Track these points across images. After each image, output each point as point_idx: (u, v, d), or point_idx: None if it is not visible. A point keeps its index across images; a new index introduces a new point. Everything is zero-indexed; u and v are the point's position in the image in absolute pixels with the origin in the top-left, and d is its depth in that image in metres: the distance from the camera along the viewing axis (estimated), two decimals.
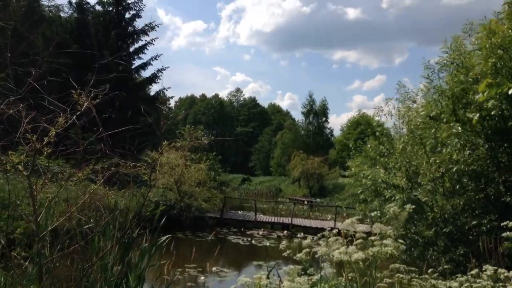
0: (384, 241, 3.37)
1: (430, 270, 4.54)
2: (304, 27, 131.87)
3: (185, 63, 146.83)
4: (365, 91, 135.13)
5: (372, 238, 3.46)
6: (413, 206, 4.24)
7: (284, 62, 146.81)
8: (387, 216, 3.99)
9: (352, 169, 10.88)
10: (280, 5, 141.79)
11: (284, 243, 4.08)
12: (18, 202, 9.37)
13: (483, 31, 7.37)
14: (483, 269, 3.69)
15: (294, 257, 3.76)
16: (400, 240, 3.60)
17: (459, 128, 7.28)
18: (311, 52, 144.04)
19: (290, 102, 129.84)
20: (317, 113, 62.46)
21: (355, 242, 3.44)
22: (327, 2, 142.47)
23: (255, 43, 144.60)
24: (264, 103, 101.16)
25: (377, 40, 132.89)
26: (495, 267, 3.69)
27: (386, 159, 9.73)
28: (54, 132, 3.75)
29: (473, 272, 3.73)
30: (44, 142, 3.77)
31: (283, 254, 4.00)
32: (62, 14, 26.88)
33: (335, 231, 3.76)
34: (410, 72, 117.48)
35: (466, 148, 7.34)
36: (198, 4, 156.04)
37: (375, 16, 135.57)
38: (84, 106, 3.80)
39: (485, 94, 6.10)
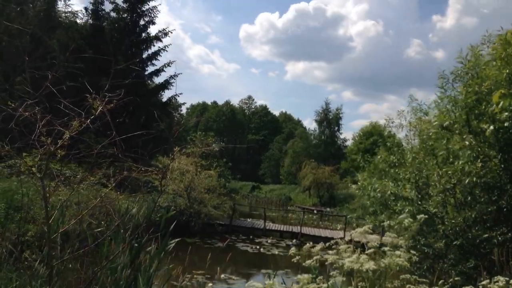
0: (396, 252, 3.34)
1: (440, 282, 4.49)
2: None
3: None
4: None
5: (385, 248, 3.43)
6: (425, 216, 4.20)
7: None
8: (395, 227, 3.96)
9: (359, 182, 10.82)
10: None
11: (293, 249, 4.06)
12: (31, 205, 9.50)
13: (499, 41, 7.33)
14: (495, 280, 3.63)
15: (304, 264, 3.74)
16: (413, 251, 3.57)
17: (472, 140, 7.22)
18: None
19: None
20: (330, 122, 62.36)
21: (366, 251, 3.41)
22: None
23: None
24: None
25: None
26: (507, 278, 3.62)
27: (396, 170, 9.66)
28: (68, 135, 3.80)
29: (483, 282, 3.67)
30: (58, 145, 3.83)
31: (292, 260, 3.99)
32: (78, 21, 27.30)
33: (347, 238, 3.74)
34: None
35: (479, 160, 7.26)
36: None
37: None
38: (99, 110, 3.85)
39: (499, 105, 6.07)
